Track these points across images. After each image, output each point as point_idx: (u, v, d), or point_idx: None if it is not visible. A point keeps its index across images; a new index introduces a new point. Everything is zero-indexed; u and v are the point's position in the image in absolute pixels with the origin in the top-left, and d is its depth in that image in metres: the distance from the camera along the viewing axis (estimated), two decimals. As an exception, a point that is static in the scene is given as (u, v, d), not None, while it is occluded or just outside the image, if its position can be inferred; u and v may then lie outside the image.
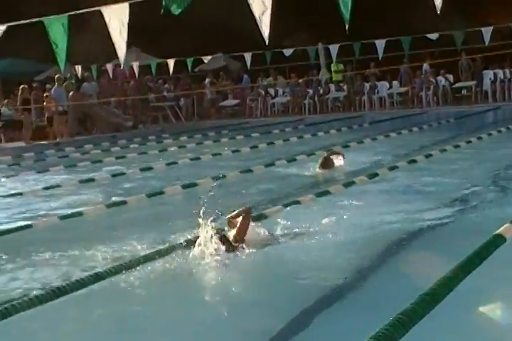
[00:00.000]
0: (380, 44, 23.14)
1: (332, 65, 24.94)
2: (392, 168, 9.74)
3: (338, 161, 10.27)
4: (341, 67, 25.12)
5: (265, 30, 8.41)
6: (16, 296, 4.84)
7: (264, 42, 8.49)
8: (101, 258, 5.74)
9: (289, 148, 14.19)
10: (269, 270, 5.37)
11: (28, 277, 5.46)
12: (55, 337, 4.24)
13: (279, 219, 6.59)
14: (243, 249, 5.51)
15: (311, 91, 24.80)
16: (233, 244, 5.54)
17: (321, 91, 24.73)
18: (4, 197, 9.99)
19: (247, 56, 24.63)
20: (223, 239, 5.46)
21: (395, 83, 24.07)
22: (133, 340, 4.16)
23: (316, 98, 24.49)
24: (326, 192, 8.04)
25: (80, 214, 7.91)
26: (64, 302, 4.63)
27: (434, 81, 22.81)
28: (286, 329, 4.00)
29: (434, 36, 23.34)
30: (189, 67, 25.31)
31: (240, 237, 5.64)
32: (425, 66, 23.81)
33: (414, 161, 10.33)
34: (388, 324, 3.26)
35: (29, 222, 7.60)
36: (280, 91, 25.66)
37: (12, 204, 9.47)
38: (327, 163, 10.02)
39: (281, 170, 10.83)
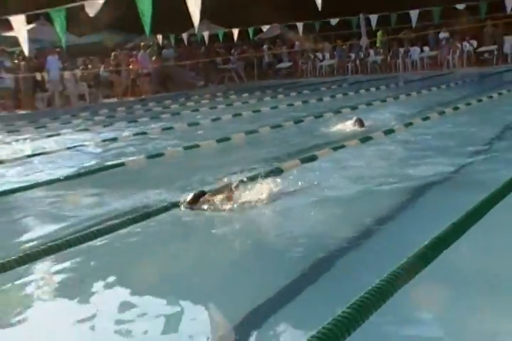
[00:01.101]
0: (414, 14, 22.25)
1: (378, 33, 24.13)
2: (425, 119, 9.43)
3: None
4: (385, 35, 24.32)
5: (319, -1, 8.11)
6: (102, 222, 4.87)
7: (317, 8, 8.16)
8: (180, 190, 5.72)
9: (335, 103, 13.87)
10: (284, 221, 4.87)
11: (118, 205, 5.50)
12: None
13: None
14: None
15: (353, 55, 24.18)
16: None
17: (362, 56, 24.09)
18: (102, 141, 10.07)
19: (299, 25, 24.03)
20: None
21: (426, 48, 23.21)
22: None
23: (357, 61, 23.92)
24: (369, 138, 7.84)
25: (161, 155, 7.94)
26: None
27: (459, 46, 21.95)
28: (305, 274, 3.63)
29: (461, 6, 22.26)
30: (250, 35, 24.90)
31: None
32: (441, 34, 22.82)
33: (443, 112, 9.99)
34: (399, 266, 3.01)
35: (122, 161, 7.68)
36: (327, 55, 25.11)
37: (108, 147, 9.56)
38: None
39: (329, 121, 10.59)
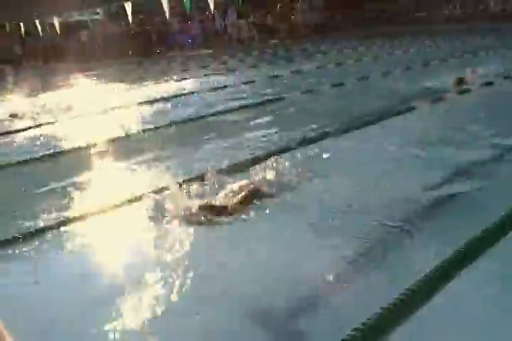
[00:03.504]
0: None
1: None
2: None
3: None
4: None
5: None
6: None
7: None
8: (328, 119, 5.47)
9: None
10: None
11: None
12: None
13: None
14: None
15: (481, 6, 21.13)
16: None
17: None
18: (268, 77, 9.86)
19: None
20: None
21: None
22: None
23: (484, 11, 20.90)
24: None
25: (311, 91, 7.65)
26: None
27: None
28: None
29: None
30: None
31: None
32: None
33: None
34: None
35: (283, 95, 7.48)
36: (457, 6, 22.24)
37: (271, 82, 9.31)
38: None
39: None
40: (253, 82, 9.48)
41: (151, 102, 8.04)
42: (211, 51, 18.02)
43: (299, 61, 12.47)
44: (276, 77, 9.90)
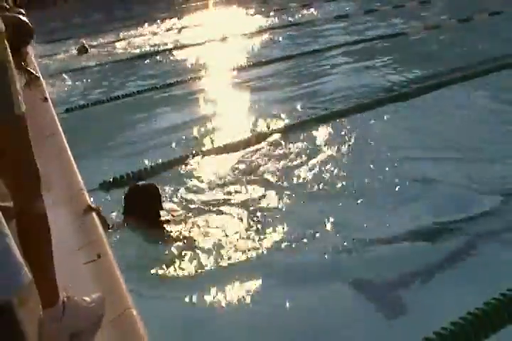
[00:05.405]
0: None
1: None
2: None
3: None
4: None
5: None
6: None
7: None
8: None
9: None
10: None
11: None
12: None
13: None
14: None
15: None
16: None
17: None
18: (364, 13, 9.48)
19: None
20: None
21: None
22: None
23: None
24: None
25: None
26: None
27: None
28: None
29: None
30: None
31: None
32: None
33: None
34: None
35: (406, 31, 7.30)
36: None
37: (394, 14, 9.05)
38: None
39: None
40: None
41: (261, 32, 8.28)
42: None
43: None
44: (398, 7, 9.42)
